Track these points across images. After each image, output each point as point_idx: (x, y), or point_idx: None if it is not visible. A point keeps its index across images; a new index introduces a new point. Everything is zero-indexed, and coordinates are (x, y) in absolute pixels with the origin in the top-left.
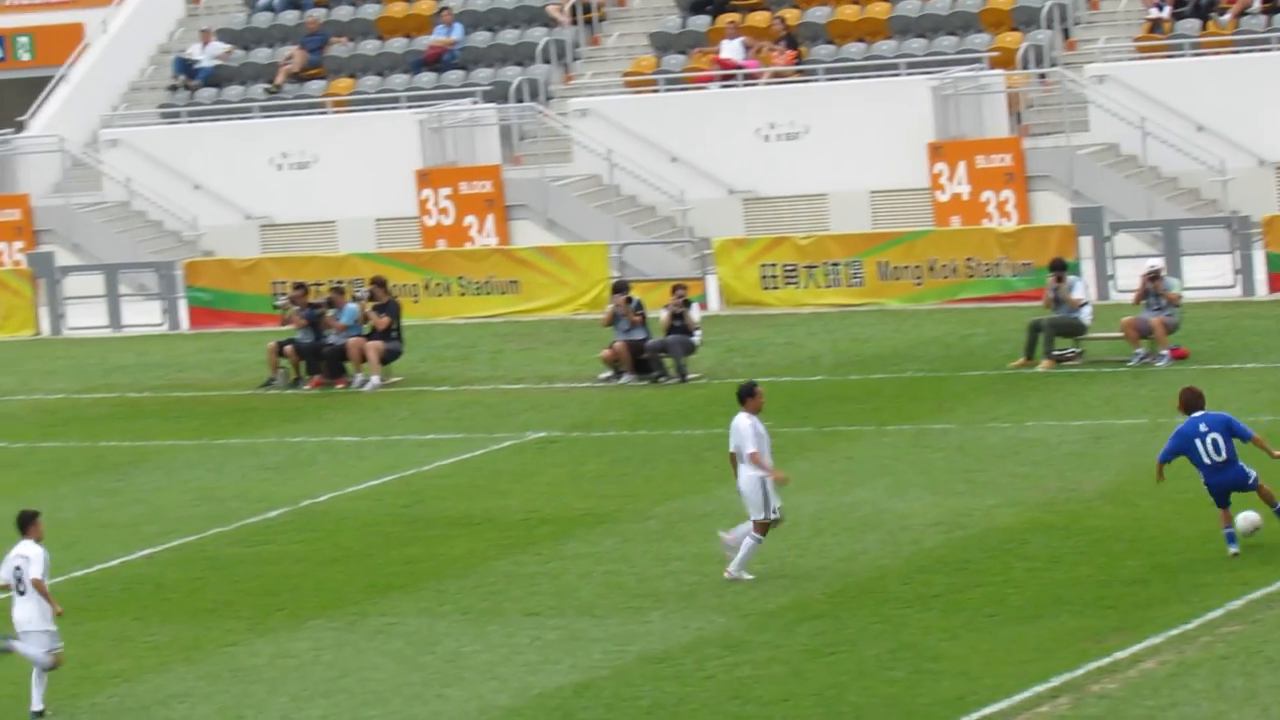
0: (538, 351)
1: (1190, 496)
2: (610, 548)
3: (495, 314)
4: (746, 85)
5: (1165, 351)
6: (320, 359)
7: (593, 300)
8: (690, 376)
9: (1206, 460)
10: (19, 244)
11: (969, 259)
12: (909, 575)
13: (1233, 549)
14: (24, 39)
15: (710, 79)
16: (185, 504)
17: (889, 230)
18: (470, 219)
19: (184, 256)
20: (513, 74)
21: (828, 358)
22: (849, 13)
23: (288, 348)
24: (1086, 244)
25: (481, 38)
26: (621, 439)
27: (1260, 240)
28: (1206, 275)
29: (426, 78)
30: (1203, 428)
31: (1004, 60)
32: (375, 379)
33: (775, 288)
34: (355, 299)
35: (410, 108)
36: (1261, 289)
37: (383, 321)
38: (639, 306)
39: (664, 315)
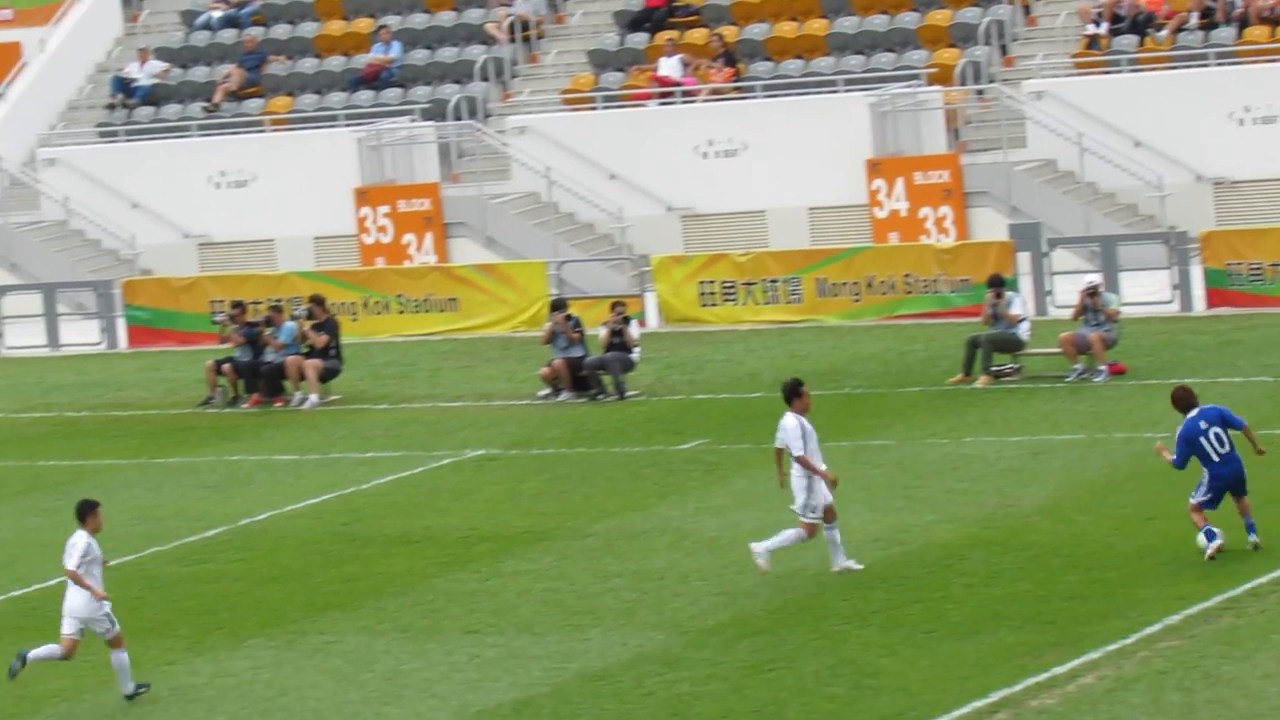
0: (476, 369)
1: (1129, 512)
2: (549, 565)
3: (434, 332)
4: (685, 102)
5: (1103, 367)
6: (259, 377)
7: (531, 318)
8: (629, 394)
9: (1215, 456)
10: None
11: (907, 275)
12: (848, 591)
13: (1215, 543)
14: None
15: (648, 96)
16: (124, 523)
17: (827, 247)
18: (409, 237)
19: (122, 275)
20: (451, 92)
21: (766, 375)
22: (787, 30)
23: (226, 366)
24: (1024, 260)
25: (419, 56)
26: (560, 456)
27: (1197, 255)
28: (1144, 291)
29: (364, 96)
30: (1203, 424)
31: (942, 77)
32: (314, 397)
33: (714, 305)
34: (293, 317)
35: (348, 126)
36: (1199, 304)
37: (321, 340)
38: (577, 324)
39: (603, 333)
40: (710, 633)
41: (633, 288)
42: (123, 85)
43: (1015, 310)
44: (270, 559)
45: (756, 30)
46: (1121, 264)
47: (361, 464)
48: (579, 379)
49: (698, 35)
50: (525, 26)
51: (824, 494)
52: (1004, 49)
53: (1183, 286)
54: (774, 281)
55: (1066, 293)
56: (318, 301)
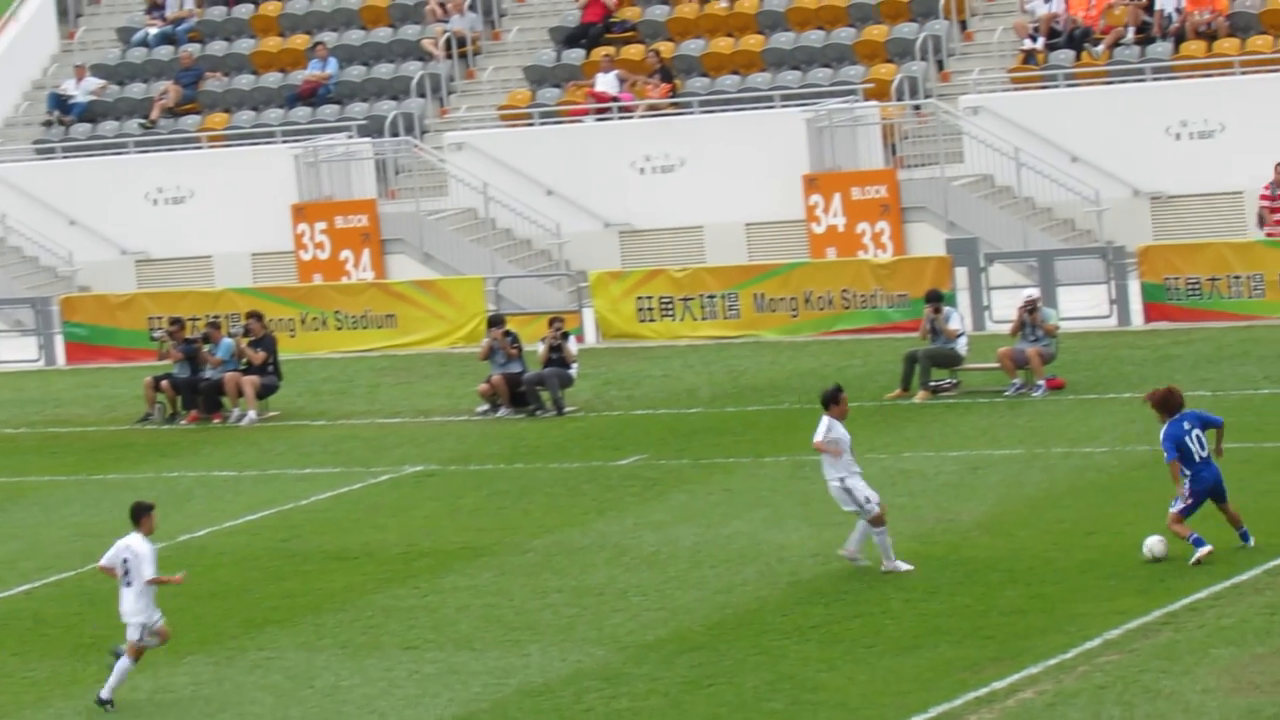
0: (415, 385)
1: (1067, 527)
2: (488, 581)
3: (372, 348)
4: (621, 118)
5: (1041, 382)
6: (197, 394)
7: (469, 334)
8: (567, 410)
9: (1197, 458)
10: None
11: (845, 290)
12: (787, 606)
13: (1204, 549)
14: None
15: (585, 112)
16: (63, 539)
17: (765, 262)
18: (346, 253)
19: (60, 292)
20: (388, 108)
21: (704, 390)
22: (723, 45)
23: (164, 383)
24: (962, 275)
25: (356, 72)
26: (499, 472)
27: (1135, 270)
28: (1082, 305)
29: (301, 112)
30: (1186, 425)
31: (878, 92)
32: (252, 414)
33: (652, 320)
34: (231, 334)
35: (285, 142)
36: (1137, 319)
37: (259, 356)
38: (515, 340)
39: (541, 348)
40: (650, 648)
41: (570, 303)
42: (59, 102)
43: (953, 325)
44: (209, 575)
45: (693, 46)
46: (1059, 279)
47: (300, 480)
48: (517, 395)
49: (634, 51)
50: (462, 43)
51: (863, 490)
52: (940, 64)
53: (1120, 301)
54: (712, 297)
55: (1004, 308)
56: (255, 318)
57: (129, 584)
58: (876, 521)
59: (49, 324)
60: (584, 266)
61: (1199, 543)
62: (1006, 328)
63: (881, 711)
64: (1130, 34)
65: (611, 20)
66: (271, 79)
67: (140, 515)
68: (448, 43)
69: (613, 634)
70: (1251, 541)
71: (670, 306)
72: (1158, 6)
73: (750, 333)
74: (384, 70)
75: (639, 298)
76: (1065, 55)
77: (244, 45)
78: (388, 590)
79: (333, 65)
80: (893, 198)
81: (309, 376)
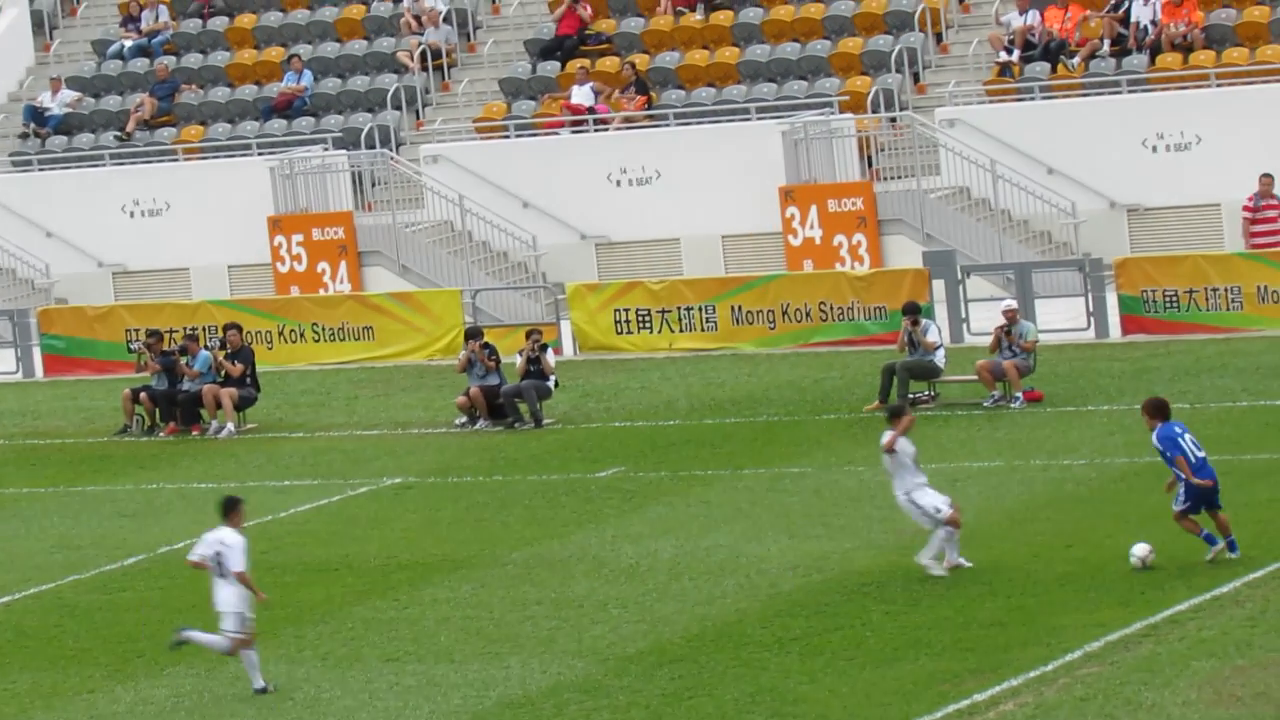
0: (393, 398)
1: (1047, 539)
2: (468, 593)
3: (349, 360)
4: (597, 131)
5: (1019, 394)
6: (175, 406)
7: (447, 346)
8: (545, 422)
9: (1193, 459)
10: None
11: (822, 303)
12: (768, 619)
13: (1217, 547)
14: None
15: (561, 124)
16: (42, 551)
17: (742, 275)
18: (323, 265)
19: (37, 304)
20: (363, 120)
21: (682, 402)
22: (698, 58)
23: (142, 395)
24: (940, 287)
25: (332, 84)
26: (478, 484)
27: (1112, 282)
28: (1059, 318)
29: (277, 125)
30: (1177, 429)
31: (854, 104)
32: (230, 426)
33: (629, 332)
34: (208, 346)
35: (261, 154)
36: (1114, 331)
37: (236, 369)
38: (493, 352)
39: (519, 361)
40: (630, 660)
41: (547, 316)
42: (35, 114)
43: (931, 337)
44: (189, 587)
45: (668, 58)
46: (1036, 291)
47: (279, 492)
48: (495, 407)
49: (609, 64)
50: (437, 55)
51: (933, 497)
52: (916, 76)
53: (1097, 313)
54: (689, 309)
55: (982, 320)
56: (233, 330)
57: (223, 575)
58: (952, 523)
59: (27, 336)
60: (561, 279)
61: (1211, 540)
62: (985, 340)
63: None
64: (1106, 46)
65: (587, 33)
66: (247, 91)
67: (230, 509)
68: (423, 55)
69: (593, 646)
70: (1238, 553)
71: (647, 319)
72: (1133, 19)
73: (728, 345)
74: (359, 83)
75: (616, 310)
76: (1041, 68)
77: (219, 58)
78: (367, 602)
79: (308, 78)
80: (869, 210)
81: (287, 389)
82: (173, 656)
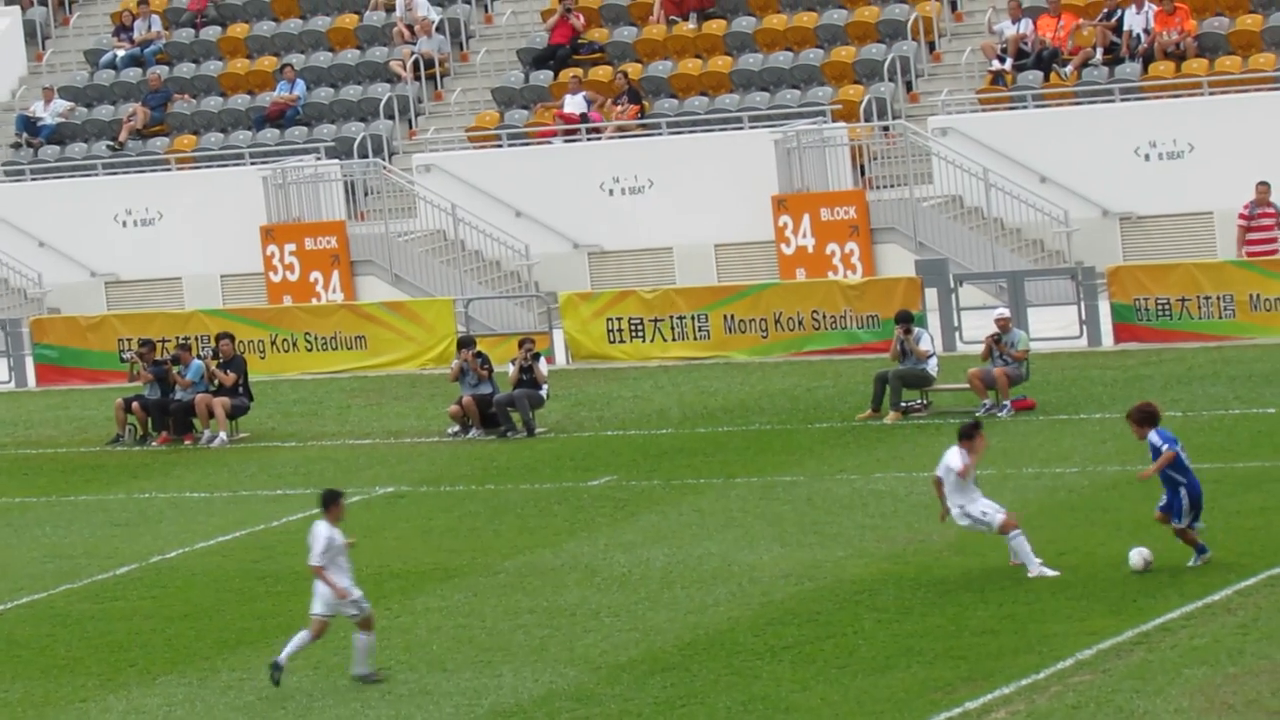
0: (385, 407)
1: (1038, 547)
2: (460, 602)
3: (342, 369)
4: (590, 139)
5: (1007, 402)
6: (167, 415)
7: (439, 355)
8: (538, 431)
9: (1188, 463)
10: None
11: (815, 311)
12: (760, 627)
13: (1205, 556)
14: None
15: (553, 133)
16: (34, 561)
17: (734, 283)
18: (316, 274)
19: (30, 314)
20: (356, 130)
21: (675, 411)
22: (691, 67)
23: (135, 404)
24: (932, 296)
25: (324, 94)
26: (470, 493)
27: (1105, 291)
28: (1052, 326)
29: (270, 134)
30: (1170, 434)
31: (847, 113)
32: (223, 435)
33: (621, 341)
34: (201, 356)
35: (254, 164)
36: (1107, 339)
37: (229, 378)
38: (486, 361)
39: (511, 369)
40: (622, 669)
41: (540, 325)
42: (28, 124)
43: (924, 346)
44: (182, 596)
45: (661, 67)
46: (1029, 299)
47: (271, 501)
48: (488, 416)
49: (602, 72)
50: (429, 64)
51: (978, 508)
52: (909, 85)
53: (1090, 322)
54: (681, 318)
55: (974, 328)
56: (226, 339)
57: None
58: (1004, 529)
59: (19, 346)
60: (553, 288)
61: (1202, 549)
62: (977, 349)
63: None
64: (1099, 55)
65: (579, 42)
66: (239, 101)
67: (330, 502)
68: (415, 64)
69: (585, 655)
70: (1208, 554)
71: (640, 328)
72: (1126, 27)
73: (720, 354)
74: (352, 92)
75: (609, 319)
76: (1034, 76)
77: (212, 67)
78: None
79: (300, 87)
80: (862, 219)
81: (279, 398)
82: (164, 664)
